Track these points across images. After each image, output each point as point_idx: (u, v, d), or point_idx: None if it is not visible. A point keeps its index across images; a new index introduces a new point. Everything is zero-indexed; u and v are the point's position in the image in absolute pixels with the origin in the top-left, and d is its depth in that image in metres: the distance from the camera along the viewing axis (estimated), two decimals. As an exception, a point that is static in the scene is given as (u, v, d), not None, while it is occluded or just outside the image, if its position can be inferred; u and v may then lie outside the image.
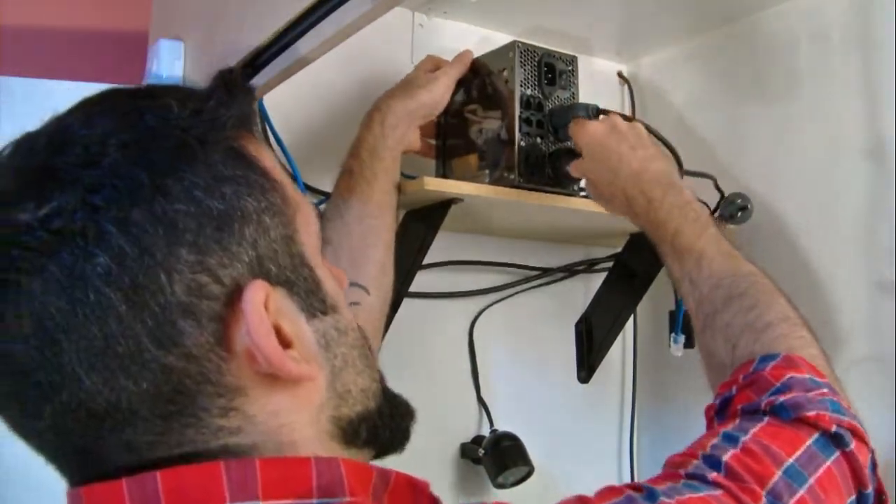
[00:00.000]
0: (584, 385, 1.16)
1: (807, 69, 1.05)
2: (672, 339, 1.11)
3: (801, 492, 0.49)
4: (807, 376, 0.58)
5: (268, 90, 0.80)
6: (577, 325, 1.16)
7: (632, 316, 1.20)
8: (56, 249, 0.39)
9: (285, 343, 0.42)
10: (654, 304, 1.21)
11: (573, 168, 0.89)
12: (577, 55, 0.99)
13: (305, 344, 0.44)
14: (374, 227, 0.84)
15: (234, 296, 0.41)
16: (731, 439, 0.52)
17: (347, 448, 0.47)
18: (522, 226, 1.11)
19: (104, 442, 0.41)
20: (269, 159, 0.47)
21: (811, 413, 0.54)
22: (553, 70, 0.94)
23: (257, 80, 0.76)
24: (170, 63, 0.94)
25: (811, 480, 0.50)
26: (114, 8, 1.21)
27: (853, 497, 0.53)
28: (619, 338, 1.20)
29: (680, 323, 1.11)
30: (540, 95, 0.93)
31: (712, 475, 0.49)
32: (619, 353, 1.27)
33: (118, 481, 0.40)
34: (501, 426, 1.13)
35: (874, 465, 0.56)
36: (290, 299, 0.44)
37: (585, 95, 0.97)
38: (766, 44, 1.10)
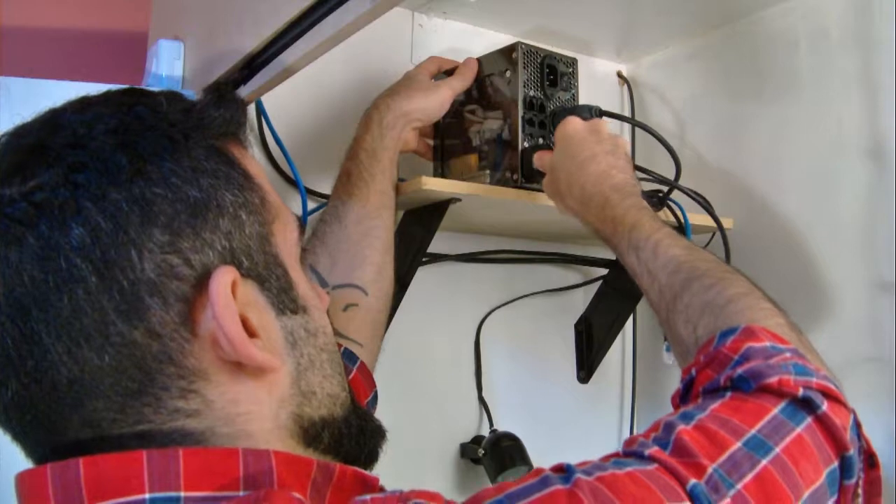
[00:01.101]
0: (584, 385, 1.16)
1: (807, 69, 1.05)
2: (665, 346, 1.12)
3: (764, 462, 0.45)
4: (767, 344, 0.54)
5: (267, 90, 0.80)
6: (577, 325, 1.16)
7: (631, 316, 1.20)
8: (35, 221, 0.40)
9: (250, 333, 0.43)
10: (653, 305, 1.21)
11: (537, 158, 0.88)
12: (576, 55, 0.99)
13: (271, 337, 0.45)
14: (372, 228, 0.84)
15: (203, 280, 0.42)
16: (686, 417, 0.48)
17: (305, 449, 0.47)
18: (521, 225, 1.11)
19: (64, 416, 0.42)
20: (253, 165, 0.48)
21: (773, 379, 0.50)
22: (555, 71, 0.94)
23: (257, 81, 0.76)
24: (169, 63, 0.94)
25: (777, 450, 0.46)
26: (114, 8, 1.21)
27: (834, 464, 0.49)
28: (619, 338, 1.20)
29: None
30: (542, 96, 0.93)
31: (651, 451, 0.46)
32: (618, 353, 1.27)
33: (43, 467, 0.41)
34: (501, 426, 1.13)
35: (858, 426, 0.52)
36: (260, 293, 0.45)
37: (585, 96, 0.98)
38: (766, 44, 1.10)
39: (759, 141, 1.10)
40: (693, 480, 0.43)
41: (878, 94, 0.97)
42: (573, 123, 0.84)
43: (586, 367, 1.15)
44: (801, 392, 0.50)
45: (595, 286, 1.18)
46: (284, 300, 0.46)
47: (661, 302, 0.67)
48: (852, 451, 0.49)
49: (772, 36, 1.09)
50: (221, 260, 0.43)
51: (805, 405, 0.50)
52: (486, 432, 1.12)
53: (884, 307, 0.94)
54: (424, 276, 1.02)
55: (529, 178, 0.91)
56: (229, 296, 0.42)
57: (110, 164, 0.42)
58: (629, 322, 1.22)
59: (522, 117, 0.91)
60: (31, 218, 0.40)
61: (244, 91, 0.77)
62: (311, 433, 0.47)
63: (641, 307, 1.18)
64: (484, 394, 1.15)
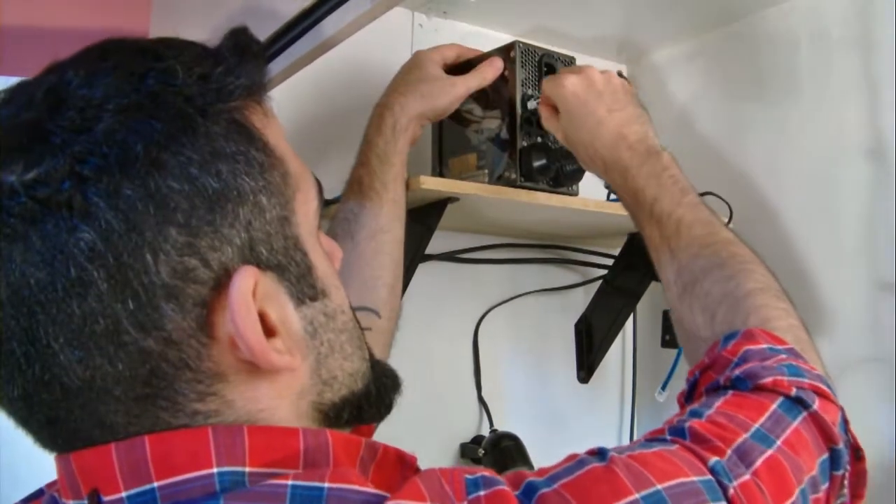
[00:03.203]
0: (584, 385, 1.17)
1: (807, 69, 1.05)
2: (659, 388, 1.15)
3: (771, 451, 0.49)
4: (764, 346, 0.57)
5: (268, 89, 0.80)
6: (577, 325, 1.16)
7: (631, 316, 1.20)
8: (39, 218, 0.37)
9: (270, 331, 0.42)
10: (653, 304, 1.21)
11: (546, 121, 0.84)
12: (576, 55, 0.99)
13: (291, 332, 0.43)
14: (385, 243, 0.83)
15: (221, 281, 0.40)
16: (695, 413, 0.51)
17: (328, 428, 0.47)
18: (520, 225, 1.11)
19: (75, 417, 0.40)
20: (274, 132, 0.45)
21: (767, 380, 0.53)
22: (553, 70, 0.94)
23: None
24: (169, 63, 0.94)
25: (779, 441, 0.50)
26: (114, 8, 1.21)
27: (825, 455, 0.52)
28: (619, 338, 1.20)
29: (668, 378, 1.13)
30: (540, 95, 0.93)
31: (672, 438, 0.49)
32: (618, 353, 1.27)
33: (107, 446, 0.40)
34: (501, 426, 1.13)
35: (845, 422, 0.55)
36: (279, 284, 0.43)
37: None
38: (767, 44, 1.10)
39: (760, 141, 1.10)
40: (714, 458, 0.46)
41: (878, 94, 0.97)
42: (567, 84, 0.80)
43: (586, 366, 1.15)
44: (794, 392, 0.53)
45: (595, 286, 1.18)
46: (304, 287, 0.44)
47: (679, 281, 0.68)
48: (841, 445, 0.53)
49: (772, 36, 1.09)
50: (240, 256, 0.41)
51: (798, 402, 0.53)
52: (486, 432, 1.12)
53: (884, 307, 0.94)
54: (424, 276, 1.02)
55: (528, 177, 0.91)
56: (250, 303, 0.40)
57: (121, 151, 0.38)
58: (629, 322, 1.21)
59: (521, 116, 0.91)
60: (34, 215, 0.37)
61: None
62: (332, 415, 0.47)
63: (641, 307, 1.18)
64: (484, 394, 1.15)
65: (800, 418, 0.52)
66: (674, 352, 1.15)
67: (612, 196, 1.00)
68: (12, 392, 0.40)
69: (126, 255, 0.38)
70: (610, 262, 1.19)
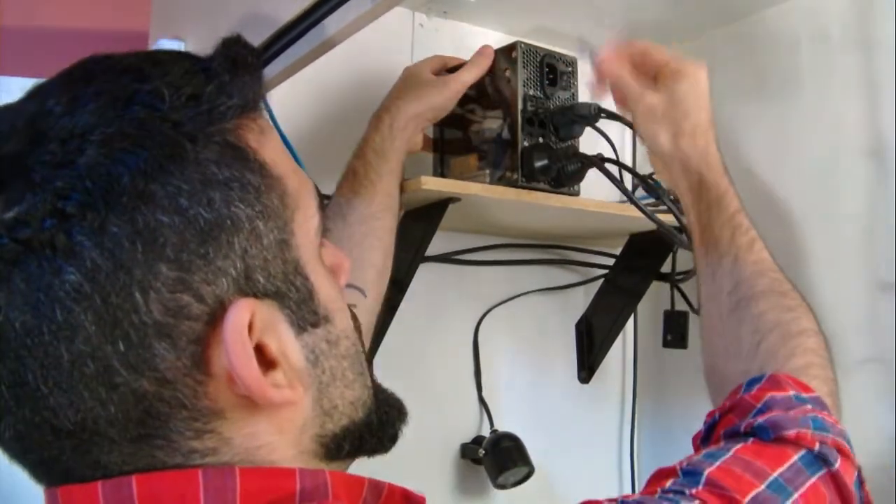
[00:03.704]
0: (585, 385, 1.17)
1: (807, 69, 1.05)
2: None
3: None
4: (790, 394, 0.56)
5: (267, 91, 0.80)
6: (578, 325, 1.16)
7: (632, 316, 1.20)
8: (22, 259, 0.36)
9: (270, 363, 0.40)
10: (654, 305, 1.21)
11: (626, 94, 0.75)
12: (577, 55, 0.99)
13: (292, 363, 0.41)
14: (375, 228, 0.84)
15: (216, 315, 0.38)
16: (712, 456, 0.51)
17: (329, 463, 0.45)
18: (521, 225, 1.11)
19: (68, 457, 0.39)
20: (270, 149, 0.43)
21: (791, 432, 0.52)
22: (554, 71, 0.94)
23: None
24: (170, 63, 0.94)
25: (796, 495, 0.49)
26: (114, 8, 1.21)
27: None
28: (619, 338, 1.20)
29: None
30: (542, 95, 0.93)
31: (691, 490, 0.48)
32: (619, 353, 1.26)
33: (93, 483, 0.39)
34: (502, 426, 1.13)
35: (861, 482, 0.55)
36: (279, 312, 0.41)
37: (586, 95, 0.97)
38: (767, 43, 1.10)
39: (759, 141, 1.10)
40: None
41: (878, 94, 0.97)
42: (704, 80, 0.73)
43: (587, 367, 1.15)
44: (817, 447, 0.52)
45: (595, 286, 1.18)
46: (305, 314, 0.42)
47: (735, 294, 0.66)
48: None
49: (772, 36, 1.09)
50: (235, 286, 0.39)
51: (821, 458, 0.52)
52: (486, 433, 1.12)
53: (884, 307, 0.94)
54: (424, 276, 1.02)
55: (530, 177, 0.91)
56: (245, 338, 0.38)
57: (105, 184, 0.36)
58: (630, 322, 1.21)
59: (522, 116, 0.91)
60: (16, 255, 0.36)
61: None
62: (333, 447, 0.45)
63: (642, 307, 1.18)
64: (485, 394, 1.15)
65: (819, 474, 0.51)
66: (675, 352, 1.14)
67: (642, 194, 0.96)
68: (4, 433, 0.39)
69: (114, 296, 0.36)
70: (610, 262, 1.19)
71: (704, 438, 0.59)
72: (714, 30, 1.16)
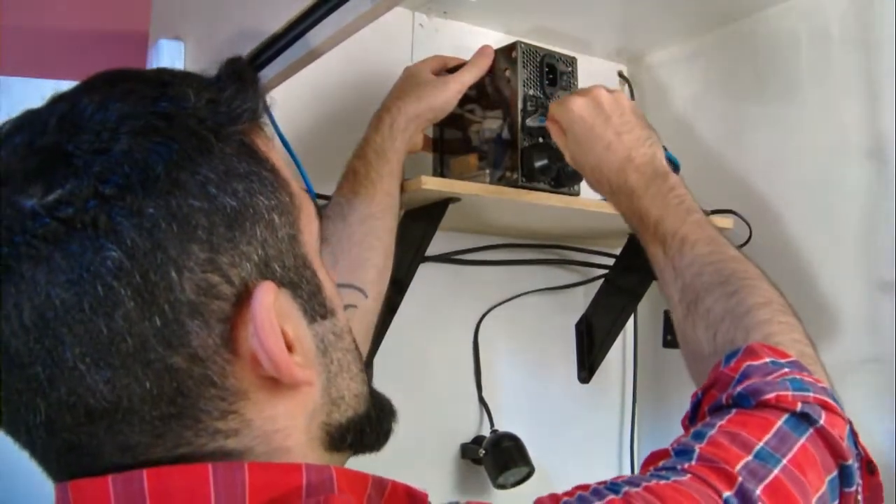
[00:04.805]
0: (585, 385, 1.17)
1: (807, 69, 1.05)
2: None
3: (775, 471, 0.48)
4: (767, 360, 0.56)
5: (267, 90, 0.80)
6: (578, 325, 1.16)
7: (632, 316, 1.20)
8: (64, 238, 0.37)
9: (288, 346, 0.42)
10: (653, 304, 1.21)
11: (555, 138, 0.84)
12: (577, 55, 0.99)
13: (306, 349, 0.44)
14: (375, 228, 0.84)
15: (242, 297, 0.41)
16: (700, 434, 0.51)
17: (333, 454, 0.47)
18: (521, 225, 1.11)
19: (98, 441, 0.40)
20: (275, 156, 0.46)
21: (770, 396, 0.52)
22: (554, 71, 0.94)
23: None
24: (170, 63, 0.94)
25: (784, 461, 0.49)
26: (114, 8, 1.21)
27: (834, 472, 0.51)
28: (620, 338, 1.20)
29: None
30: (542, 95, 0.93)
31: (683, 465, 0.49)
32: (619, 353, 1.27)
33: (104, 477, 0.39)
34: (502, 426, 1.13)
35: (854, 435, 0.54)
36: (293, 301, 0.44)
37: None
38: (767, 44, 1.10)
39: (760, 141, 1.10)
40: (727, 493, 0.46)
41: (878, 94, 0.97)
42: (574, 107, 0.80)
43: (587, 367, 1.15)
44: (799, 407, 0.52)
45: (595, 286, 1.18)
46: (315, 305, 0.45)
47: (683, 300, 0.68)
48: (851, 461, 0.52)
49: (772, 36, 1.09)
50: (258, 272, 0.41)
51: (804, 418, 0.52)
52: (486, 432, 1.12)
53: (884, 307, 0.94)
54: (424, 276, 1.02)
55: (529, 177, 0.91)
56: (272, 316, 0.40)
57: (141, 171, 0.38)
58: (630, 322, 1.21)
59: (522, 117, 0.91)
60: (58, 236, 0.37)
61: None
62: (337, 437, 0.47)
63: (642, 307, 1.18)
64: (485, 394, 1.15)
65: (807, 435, 0.51)
66: (675, 352, 1.14)
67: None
68: (34, 419, 0.40)
69: (152, 273, 0.38)
70: (610, 262, 1.19)
71: (692, 418, 0.59)
72: (714, 30, 1.16)
